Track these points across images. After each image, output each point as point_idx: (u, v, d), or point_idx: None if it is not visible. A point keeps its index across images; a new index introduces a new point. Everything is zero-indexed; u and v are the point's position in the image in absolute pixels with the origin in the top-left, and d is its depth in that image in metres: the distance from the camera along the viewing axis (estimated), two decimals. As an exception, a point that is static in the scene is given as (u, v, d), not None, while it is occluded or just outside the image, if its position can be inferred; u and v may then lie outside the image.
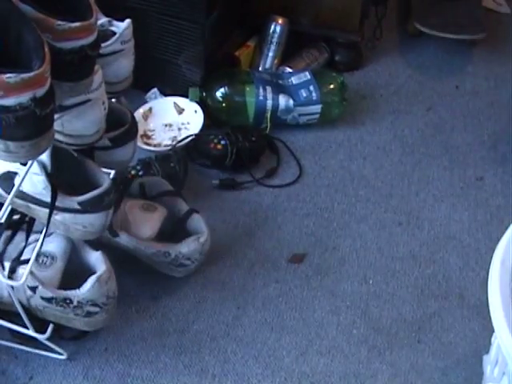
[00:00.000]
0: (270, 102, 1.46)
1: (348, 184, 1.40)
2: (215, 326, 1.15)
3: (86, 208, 0.95)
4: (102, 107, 0.94)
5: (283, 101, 1.47)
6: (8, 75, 0.70)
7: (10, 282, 0.98)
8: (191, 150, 1.42)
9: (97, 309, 1.04)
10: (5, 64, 0.71)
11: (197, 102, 1.49)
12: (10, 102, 0.71)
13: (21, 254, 1.02)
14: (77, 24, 0.78)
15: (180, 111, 1.51)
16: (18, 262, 1.01)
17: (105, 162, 1.09)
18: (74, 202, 0.94)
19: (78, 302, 1.02)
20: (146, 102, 1.53)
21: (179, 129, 1.48)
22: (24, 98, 0.71)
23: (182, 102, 1.51)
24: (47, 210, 0.93)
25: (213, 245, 1.22)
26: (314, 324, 1.15)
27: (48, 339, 1.06)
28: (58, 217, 0.96)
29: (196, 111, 1.48)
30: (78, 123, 0.94)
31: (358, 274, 1.23)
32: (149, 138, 1.46)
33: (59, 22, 0.77)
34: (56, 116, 0.86)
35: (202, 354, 1.11)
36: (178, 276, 1.19)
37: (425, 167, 1.44)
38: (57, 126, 0.89)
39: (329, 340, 1.13)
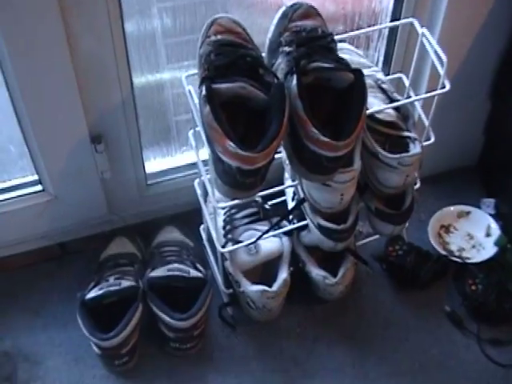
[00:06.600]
0: None
1: None
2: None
3: None
4: (338, 196, 1.10)
5: None
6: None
7: (220, 249, 1.29)
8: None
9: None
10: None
11: (500, 248, 1.50)
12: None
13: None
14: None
15: (488, 234, 1.54)
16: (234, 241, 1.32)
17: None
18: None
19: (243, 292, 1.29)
20: (479, 206, 1.59)
21: (473, 246, 1.53)
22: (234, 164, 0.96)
23: (495, 227, 1.53)
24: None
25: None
26: None
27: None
28: None
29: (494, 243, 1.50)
30: (316, 193, 1.13)
31: None
32: (448, 232, 1.56)
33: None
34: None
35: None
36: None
37: None
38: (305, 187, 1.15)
39: None
